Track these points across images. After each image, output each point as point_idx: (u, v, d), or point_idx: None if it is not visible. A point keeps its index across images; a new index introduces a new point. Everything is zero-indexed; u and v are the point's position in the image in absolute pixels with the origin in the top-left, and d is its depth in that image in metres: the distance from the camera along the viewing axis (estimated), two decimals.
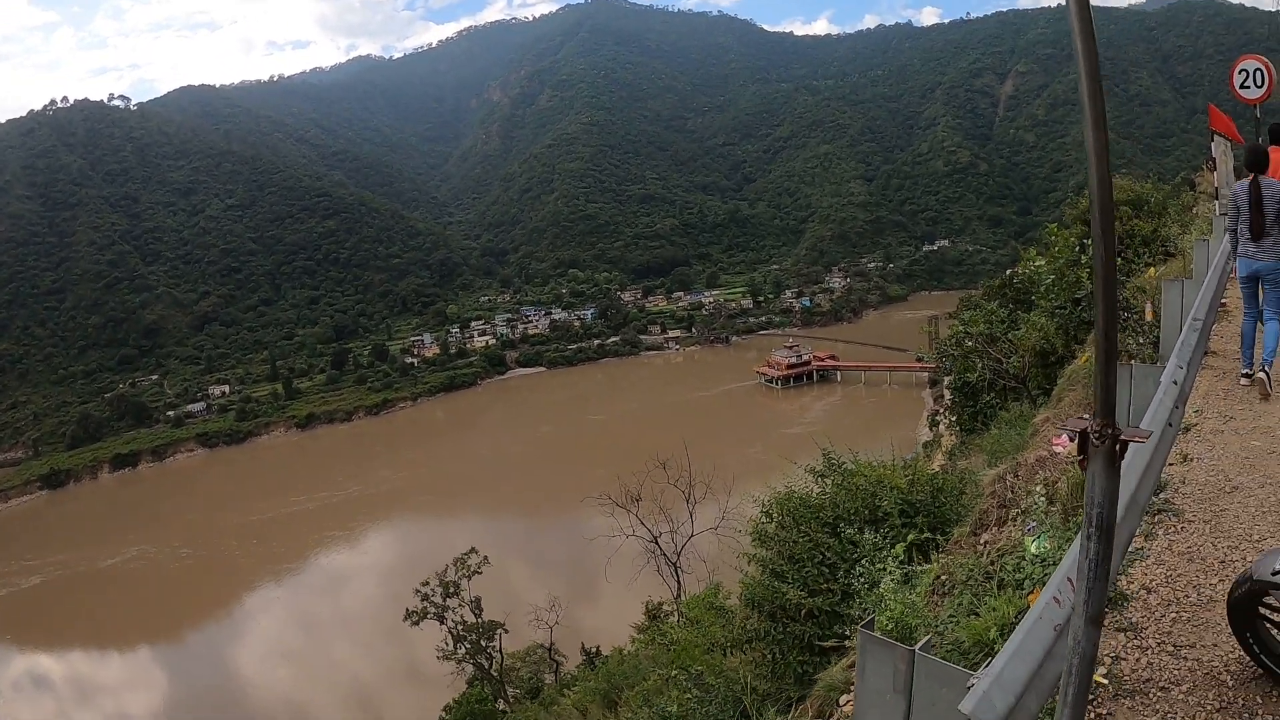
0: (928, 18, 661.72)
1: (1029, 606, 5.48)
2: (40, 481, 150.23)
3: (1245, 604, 5.00)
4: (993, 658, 4.12)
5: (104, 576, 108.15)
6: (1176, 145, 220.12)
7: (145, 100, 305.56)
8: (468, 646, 47.64)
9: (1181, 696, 5.10)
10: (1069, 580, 4.31)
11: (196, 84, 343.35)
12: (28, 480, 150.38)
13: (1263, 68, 19.02)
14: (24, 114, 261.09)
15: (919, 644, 3.73)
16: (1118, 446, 3.22)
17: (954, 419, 31.79)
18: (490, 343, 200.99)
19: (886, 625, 6.89)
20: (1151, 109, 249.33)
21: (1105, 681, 5.21)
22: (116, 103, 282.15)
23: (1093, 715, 5.04)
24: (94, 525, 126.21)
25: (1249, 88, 19.19)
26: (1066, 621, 4.11)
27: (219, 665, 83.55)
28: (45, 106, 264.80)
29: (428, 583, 49.36)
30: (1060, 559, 5.79)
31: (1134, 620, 5.96)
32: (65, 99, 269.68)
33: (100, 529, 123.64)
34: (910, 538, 10.65)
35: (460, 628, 48.07)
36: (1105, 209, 3.04)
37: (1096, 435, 3.22)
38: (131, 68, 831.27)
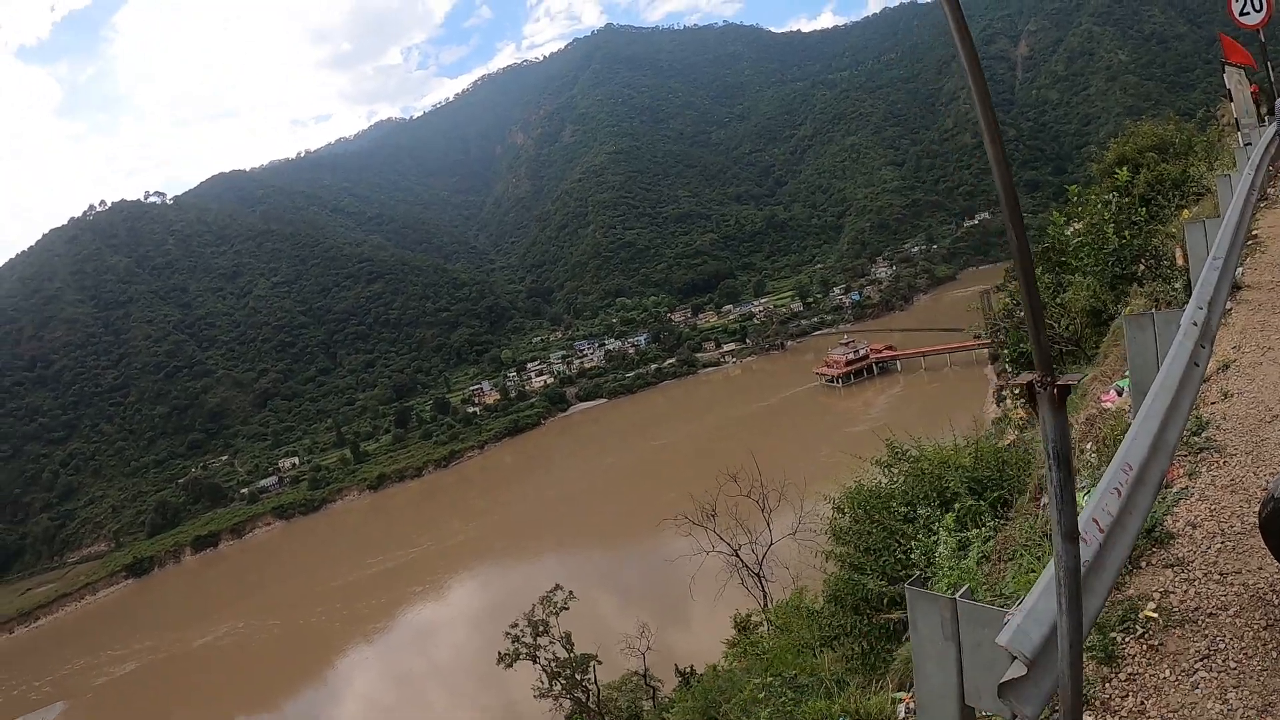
0: None
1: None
2: (125, 571, 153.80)
3: (1275, 522, 5.22)
4: (1020, 600, 4.41)
5: (197, 656, 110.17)
6: (1200, 78, 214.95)
7: (180, 193, 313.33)
8: (563, 682, 47.73)
9: (1229, 620, 5.31)
10: (1094, 521, 4.60)
11: (227, 170, 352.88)
12: (113, 571, 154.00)
13: None
14: (65, 221, 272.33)
15: (959, 592, 4.03)
16: (1056, 391, 3.62)
17: (1017, 391, 31.63)
18: (549, 381, 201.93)
19: (945, 591, 7.14)
20: (1169, 45, 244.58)
21: (1155, 615, 5.43)
22: (153, 199, 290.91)
23: (1145, 647, 5.27)
24: (182, 607, 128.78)
25: (1248, 14, 19.15)
26: (1095, 558, 4.43)
27: None
28: (85, 212, 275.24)
29: (516, 624, 49.61)
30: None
31: (1180, 555, 6.15)
32: (104, 202, 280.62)
33: (189, 610, 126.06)
34: (958, 506, 10.84)
35: (553, 664, 48.15)
36: (1001, 163, 3.37)
37: (1040, 385, 3.64)
38: (160, 165, 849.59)
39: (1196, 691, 4.81)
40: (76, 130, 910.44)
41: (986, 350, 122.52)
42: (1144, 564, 6.12)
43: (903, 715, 6.86)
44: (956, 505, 11.25)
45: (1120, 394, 10.70)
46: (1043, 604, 3.93)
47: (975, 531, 9.44)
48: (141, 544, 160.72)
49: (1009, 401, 67.90)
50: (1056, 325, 21.25)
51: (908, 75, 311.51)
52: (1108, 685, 5.10)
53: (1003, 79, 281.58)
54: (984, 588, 7.31)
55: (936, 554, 9.26)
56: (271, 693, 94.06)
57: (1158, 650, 5.24)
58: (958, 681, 4.01)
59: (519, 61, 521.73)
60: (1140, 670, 5.13)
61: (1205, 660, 5.04)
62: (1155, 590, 5.75)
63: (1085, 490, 7.33)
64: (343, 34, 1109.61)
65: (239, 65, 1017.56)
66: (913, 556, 10.63)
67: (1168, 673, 5.04)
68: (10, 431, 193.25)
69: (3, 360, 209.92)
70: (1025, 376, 3.72)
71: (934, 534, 10.19)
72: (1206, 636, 5.22)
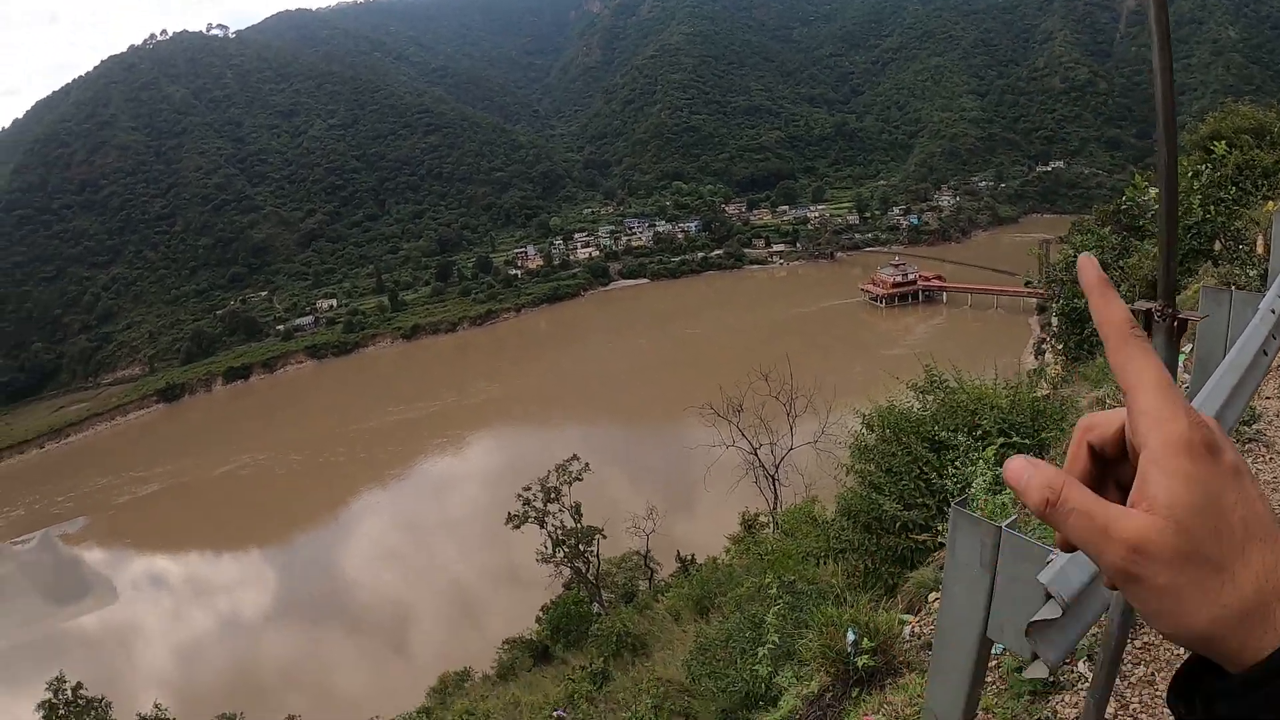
0: None
1: None
2: (157, 396, 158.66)
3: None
4: None
5: (217, 483, 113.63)
6: None
7: (243, 28, 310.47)
8: (566, 550, 48.84)
9: None
10: None
11: (293, 9, 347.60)
12: (144, 395, 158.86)
13: None
14: (125, 49, 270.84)
15: (1006, 521, 3.88)
16: (1175, 324, 3.54)
17: (1060, 346, 31.22)
18: (593, 254, 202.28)
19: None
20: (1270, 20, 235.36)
21: None
22: (215, 32, 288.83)
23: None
24: (208, 435, 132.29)
25: None
26: None
27: (326, 566, 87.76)
28: (145, 40, 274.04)
29: (529, 487, 50.45)
30: None
31: None
32: (165, 32, 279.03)
33: (214, 439, 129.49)
34: (1000, 441, 10.70)
35: (560, 532, 49.26)
36: (1167, 98, 3.13)
37: (1159, 314, 3.52)
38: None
39: None
40: None
41: (1035, 300, 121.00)
42: None
43: (907, 636, 6.82)
44: (988, 445, 11.13)
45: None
46: None
47: None
48: (175, 370, 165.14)
49: (1049, 355, 67.28)
50: (1116, 288, 20.76)
51: (1006, 5, 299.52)
52: (1132, 644, 5.13)
53: (1104, 28, 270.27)
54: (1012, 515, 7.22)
55: (973, 484, 9.13)
56: (284, 524, 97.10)
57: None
58: (984, 612, 3.89)
59: None
60: (1156, 640, 5.06)
61: None
62: None
63: None
64: None
65: None
66: (947, 483, 10.55)
67: (1183, 649, 4.85)
68: (55, 253, 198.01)
69: (54, 183, 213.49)
70: (1144, 304, 3.56)
71: (972, 464, 10.06)
72: None
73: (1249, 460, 7.19)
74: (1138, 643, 5.12)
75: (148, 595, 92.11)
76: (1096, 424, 1.19)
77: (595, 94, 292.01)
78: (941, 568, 8.69)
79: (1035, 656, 3.60)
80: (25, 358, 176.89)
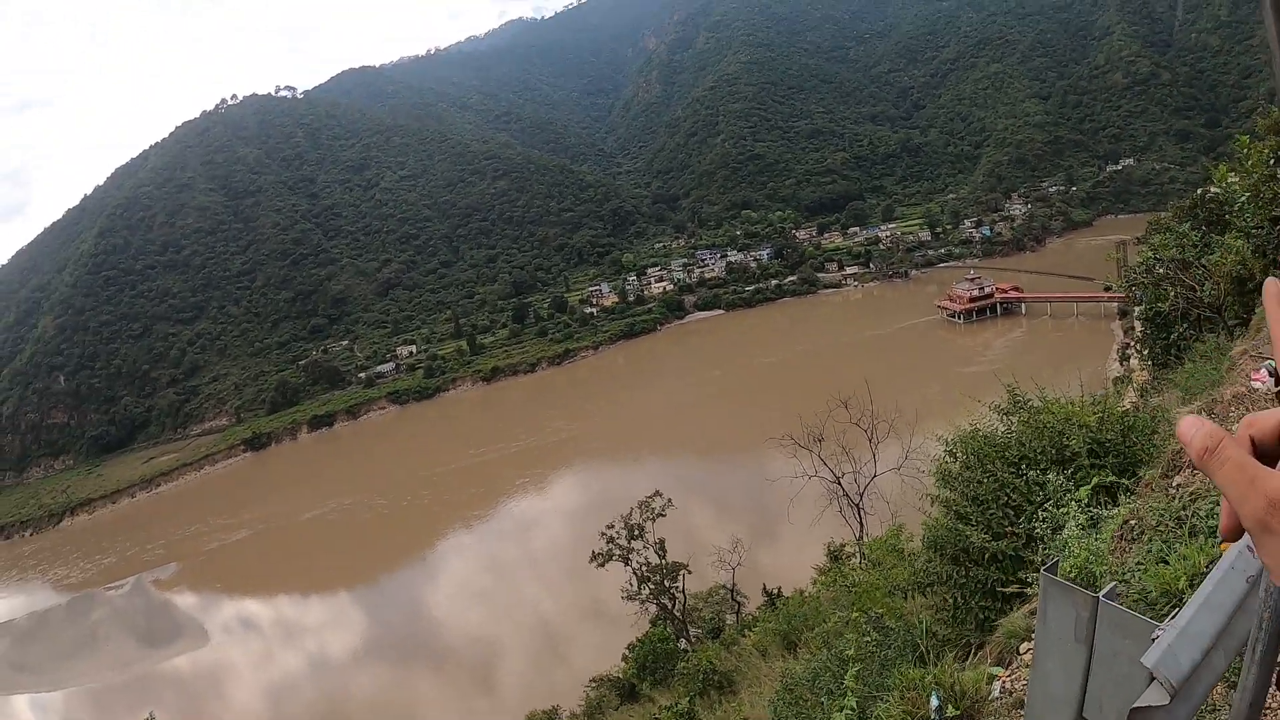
0: None
1: (1222, 555, 5.07)
2: (244, 445, 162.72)
3: None
4: (1174, 614, 3.81)
5: (305, 528, 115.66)
6: None
7: (310, 88, 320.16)
8: (651, 587, 48.38)
9: None
10: None
11: (357, 67, 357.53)
12: (232, 445, 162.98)
13: None
14: (198, 115, 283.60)
15: (1103, 590, 3.47)
16: None
17: (1145, 352, 30.36)
18: (667, 288, 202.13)
19: (1069, 572, 6.61)
20: None
21: None
22: (284, 93, 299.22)
23: None
24: (295, 482, 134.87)
25: None
26: (1259, 573, 3.79)
27: (413, 607, 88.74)
28: (217, 105, 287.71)
29: (613, 525, 50.23)
30: None
31: None
32: (235, 96, 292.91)
33: (301, 485, 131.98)
34: (1095, 480, 10.18)
35: (645, 569, 48.82)
36: None
37: None
38: (293, 62, 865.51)
39: None
40: (208, 27, 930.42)
41: (1116, 305, 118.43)
42: None
43: (996, 693, 6.37)
44: (1080, 473, 10.63)
45: (1272, 374, 9.87)
46: (1198, 624, 3.32)
47: (1110, 512, 8.77)
48: (261, 420, 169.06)
49: (1134, 361, 65.70)
50: (1199, 288, 20.10)
51: (1060, 4, 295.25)
52: None
53: (1161, 17, 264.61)
54: (1108, 565, 6.72)
55: (1065, 528, 8.65)
56: (371, 567, 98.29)
57: None
58: (1080, 689, 3.45)
59: None
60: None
61: None
62: None
63: None
64: None
65: None
66: (1038, 528, 10.05)
67: None
68: (141, 311, 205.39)
69: (137, 245, 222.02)
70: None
71: (1063, 505, 9.58)
72: None
73: None
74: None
75: (238, 637, 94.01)
76: (1258, 420, 1.34)
77: (658, 129, 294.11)
78: (1033, 612, 8.23)
79: None
80: (116, 411, 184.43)
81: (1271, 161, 17.12)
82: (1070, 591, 3.78)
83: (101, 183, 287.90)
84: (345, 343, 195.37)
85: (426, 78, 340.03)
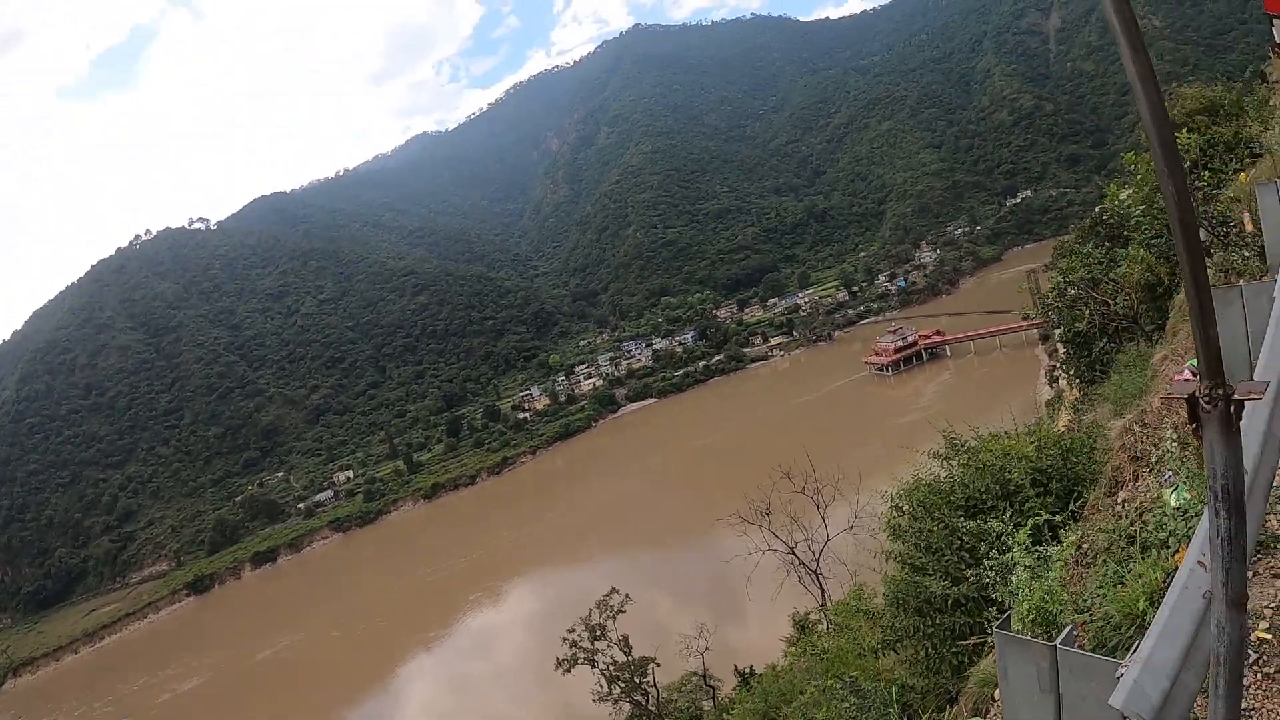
0: None
1: (1176, 568, 5.04)
2: (187, 589, 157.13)
3: None
4: (1135, 648, 3.73)
5: (260, 669, 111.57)
6: (1238, 39, 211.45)
7: (223, 217, 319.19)
8: (622, 685, 47.45)
9: None
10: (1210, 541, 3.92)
11: (268, 193, 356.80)
12: (174, 590, 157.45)
13: None
14: (113, 252, 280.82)
15: (1060, 638, 3.40)
16: (1231, 408, 2.86)
17: (1071, 372, 30.92)
18: (597, 384, 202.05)
19: (1027, 616, 6.50)
20: (1203, 7, 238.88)
21: (1269, 636, 4.72)
22: (197, 225, 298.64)
23: (1259, 676, 4.57)
24: (244, 622, 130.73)
25: None
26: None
27: None
28: (132, 241, 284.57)
29: (573, 629, 49.40)
30: (1202, 511, 5.35)
31: None
32: (148, 231, 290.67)
33: (250, 624, 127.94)
34: (1031, 522, 10.19)
35: (612, 668, 47.89)
36: (1165, 140, 2.86)
37: (1206, 399, 2.89)
38: (202, 191, 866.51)
39: None
40: (118, 161, 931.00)
41: (1036, 331, 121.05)
42: (1250, 574, 5.36)
43: None
44: (1027, 506, 10.66)
45: (1195, 374, 9.95)
46: (1160, 653, 3.26)
47: (1056, 549, 8.76)
48: (202, 562, 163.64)
49: (1062, 381, 67.08)
50: (1112, 302, 20.60)
51: (940, 56, 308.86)
52: None
53: (1036, 53, 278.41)
54: (1064, 602, 6.65)
55: (1014, 574, 8.61)
56: (334, 701, 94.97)
57: (1275, 679, 4.43)
58: None
59: (549, 68, 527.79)
60: (1257, 704, 4.37)
61: None
62: (1266, 605, 5.00)
63: (1174, 489, 6.66)
64: (376, 51, 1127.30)
65: (276, 88, 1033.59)
66: (986, 577, 10.03)
67: None
68: (69, 458, 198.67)
69: (59, 389, 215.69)
70: (1185, 387, 2.86)
71: (1008, 550, 9.56)
72: None
73: None
74: None
75: None
76: None
77: (570, 228, 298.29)
78: None
79: None
80: (50, 564, 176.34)
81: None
82: (1027, 645, 3.71)
83: (19, 326, 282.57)
84: (280, 474, 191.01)
85: (338, 199, 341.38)
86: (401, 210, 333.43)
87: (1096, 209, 27.03)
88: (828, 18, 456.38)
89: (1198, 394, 2.92)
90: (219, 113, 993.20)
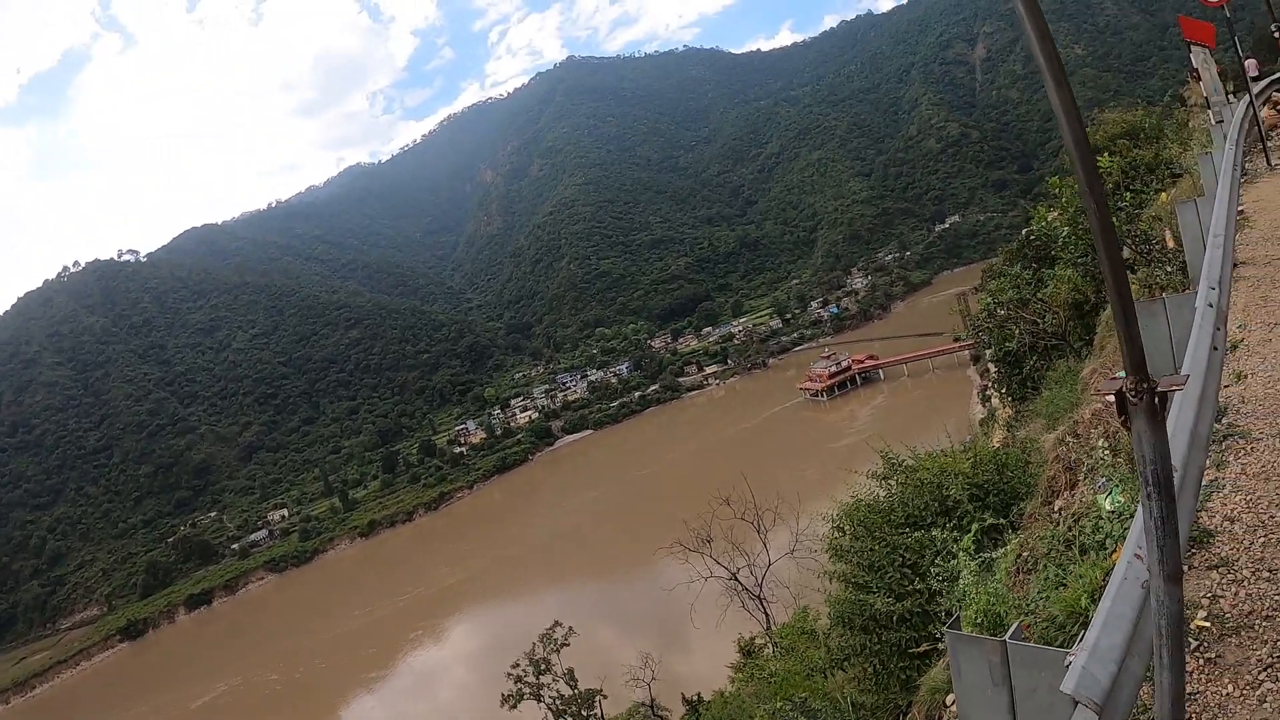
0: (885, 2, 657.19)
1: (1114, 566, 5.33)
2: (119, 634, 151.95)
3: None
4: (1081, 638, 4.00)
5: (197, 717, 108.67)
6: (1157, 66, 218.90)
7: (153, 249, 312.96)
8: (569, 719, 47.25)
9: None
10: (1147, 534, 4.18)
11: (199, 225, 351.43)
12: (107, 635, 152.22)
13: None
14: (40, 284, 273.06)
15: (1008, 633, 3.60)
16: (1156, 399, 3.09)
17: (1003, 390, 31.56)
18: (533, 417, 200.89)
19: (975, 619, 6.73)
20: (1124, 35, 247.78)
21: (1207, 624, 5.03)
22: (126, 257, 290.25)
23: (1201, 661, 4.85)
24: (180, 668, 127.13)
25: None
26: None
27: None
28: (59, 274, 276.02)
29: (518, 664, 49.05)
30: (1136, 510, 5.63)
31: (1224, 555, 5.76)
32: (77, 263, 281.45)
33: (186, 671, 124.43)
34: (975, 528, 10.48)
35: (559, 702, 47.62)
36: (1088, 165, 3.06)
37: (1132, 393, 3.11)
38: (132, 222, 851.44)
39: (1265, 706, 4.42)
40: (48, 191, 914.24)
41: (968, 352, 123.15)
42: (1186, 567, 5.67)
43: None
44: (966, 519, 10.93)
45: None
46: (1106, 639, 3.51)
47: (1000, 552, 9.04)
48: (134, 606, 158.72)
49: (994, 400, 68.23)
50: (1040, 320, 21.14)
51: (868, 86, 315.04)
52: None
53: (962, 82, 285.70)
54: (1009, 604, 6.91)
55: (960, 579, 8.87)
56: None
57: (1216, 664, 4.81)
58: None
59: (483, 100, 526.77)
60: (1200, 688, 4.70)
61: (1269, 670, 4.64)
62: (1203, 596, 5.34)
63: (1108, 493, 6.95)
64: (309, 82, 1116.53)
65: (208, 117, 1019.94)
66: (933, 584, 10.28)
67: (1230, 688, 4.64)
68: None
69: None
70: (1113, 384, 3.16)
71: (953, 556, 9.83)
72: (1267, 642, 4.82)
73: (1230, 458, 6.99)
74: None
75: None
76: None
77: (503, 260, 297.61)
78: (949, 667, 8.38)
79: None
80: None
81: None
82: (977, 642, 3.88)
83: None
84: (214, 514, 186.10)
85: (269, 231, 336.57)
86: (334, 243, 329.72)
87: (1023, 231, 27.76)
88: (759, 50, 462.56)
89: (1125, 388, 3.12)
90: (147, 142, 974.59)
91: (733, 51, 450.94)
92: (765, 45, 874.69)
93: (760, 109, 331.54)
